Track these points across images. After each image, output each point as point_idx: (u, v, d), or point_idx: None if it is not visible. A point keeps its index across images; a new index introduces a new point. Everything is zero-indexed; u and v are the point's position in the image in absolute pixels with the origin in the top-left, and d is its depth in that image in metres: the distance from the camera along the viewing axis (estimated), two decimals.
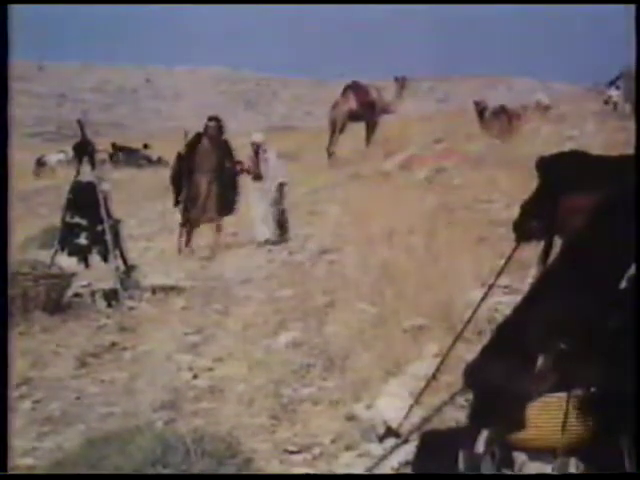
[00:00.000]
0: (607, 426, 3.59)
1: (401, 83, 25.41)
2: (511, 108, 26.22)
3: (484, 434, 3.75)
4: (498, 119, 24.86)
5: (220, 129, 14.63)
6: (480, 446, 3.75)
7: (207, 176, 14.37)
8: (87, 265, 10.78)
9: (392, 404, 5.97)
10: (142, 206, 21.04)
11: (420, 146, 22.77)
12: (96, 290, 10.61)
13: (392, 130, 25.37)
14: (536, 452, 3.74)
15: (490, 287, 5.23)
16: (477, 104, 26.34)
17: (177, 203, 14.63)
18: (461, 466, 3.83)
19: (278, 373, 7.17)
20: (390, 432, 5.68)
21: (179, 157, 14.78)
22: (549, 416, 3.69)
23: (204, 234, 14.55)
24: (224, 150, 14.55)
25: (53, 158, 35.18)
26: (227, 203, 14.47)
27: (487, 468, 3.78)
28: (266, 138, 15.46)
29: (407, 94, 26.31)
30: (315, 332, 8.39)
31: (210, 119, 14.77)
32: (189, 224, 14.41)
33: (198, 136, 14.65)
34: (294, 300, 9.79)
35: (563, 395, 3.64)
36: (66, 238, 10.73)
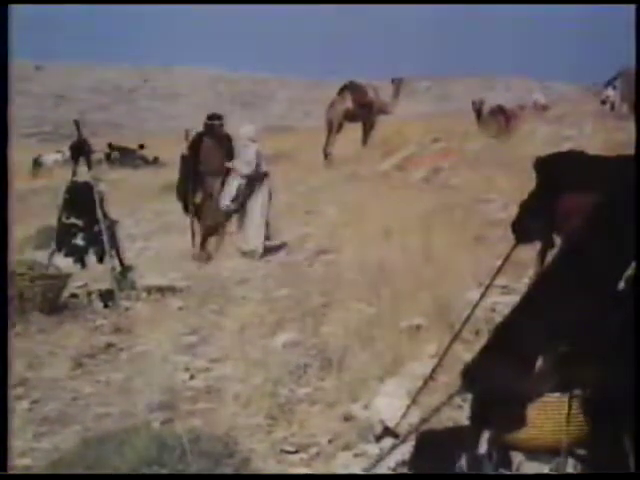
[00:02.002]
0: (606, 426, 3.58)
1: (397, 85, 25.36)
2: (509, 108, 26.28)
3: (486, 435, 3.75)
4: (496, 119, 24.91)
5: (222, 126, 14.05)
6: (483, 447, 3.75)
7: (218, 178, 13.76)
8: (84, 266, 10.76)
9: (389, 404, 5.96)
10: (138, 206, 21.01)
11: (417, 146, 22.77)
12: (92, 291, 10.60)
13: (389, 130, 25.36)
14: (535, 452, 3.75)
15: (487, 287, 5.23)
16: (475, 104, 26.37)
17: (187, 209, 13.90)
18: (464, 467, 3.83)
19: (275, 373, 7.16)
20: (387, 432, 5.68)
21: (184, 161, 14.04)
22: (548, 416, 3.69)
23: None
24: (230, 147, 13.98)
25: (50, 158, 35.11)
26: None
27: (488, 469, 3.78)
28: (258, 135, 14.79)
29: (404, 94, 26.29)
30: (312, 332, 8.38)
31: (210, 117, 14.18)
32: (204, 230, 13.79)
33: (199, 136, 14.02)
34: (291, 300, 9.79)
35: (563, 395, 3.64)
36: (63, 239, 10.71)
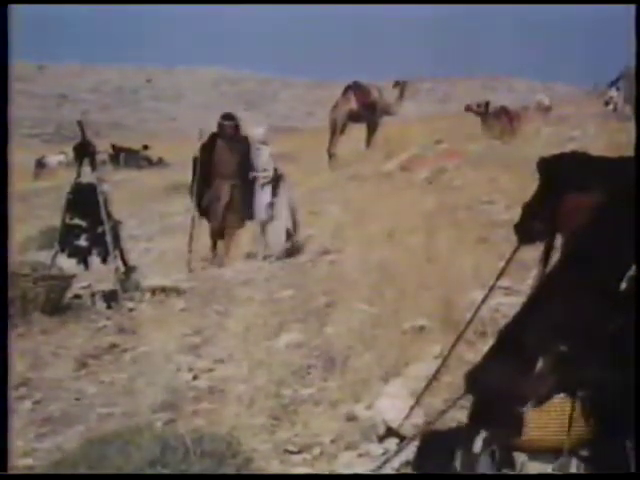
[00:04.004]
0: (607, 427, 3.59)
1: (402, 86, 25.32)
2: (512, 109, 26.24)
3: (482, 434, 3.75)
4: (499, 120, 24.85)
5: (237, 128, 13.60)
6: (477, 446, 3.76)
7: (229, 181, 13.40)
8: (87, 266, 10.76)
9: (392, 404, 5.97)
10: (142, 207, 21.01)
11: (421, 147, 22.73)
12: (96, 291, 10.59)
13: (392, 131, 25.33)
14: (539, 453, 3.75)
15: (491, 288, 5.23)
16: (478, 105, 26.36)
17: (200, 211, 13.49)
18: (457, 465, 3.83)
19: (278, 374, 7.16)
20: (390, 432, 5.68)
21: (195, 163, 13.54)
22: (552, 417, 3.69)
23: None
24: (245, 150, 13.53)
25: (53, 159, 35.14)
26: (249, 210, 13.51)
27: (484, 468, 3.78)
28: (268, 136, 14.67)
29: (408, 95, 26.24)
30: (316, 333, 8.39)
31: (224, 117, 13.65)
32: (212, 232, 13.49)
33: (213, 137, 13.56)
34: (294, 301, 9.79)
35: (566, 397, 3.64)
36: (66, 239, 10.72)
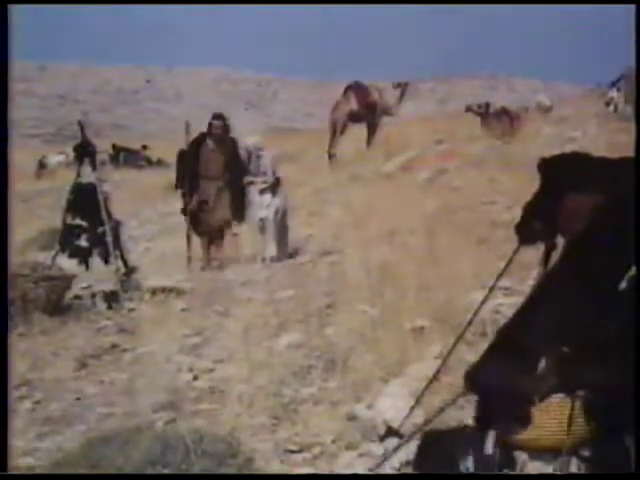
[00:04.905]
0: (608, 427, 3.59)
1: (402, 88, 25.31)
2: (512, 109, 26.22)
3: (492, 435, 3.75)
4: (499, 120, 24.84)
5: (226, 128, 13.43)
6: (489, 448, 3.75)
7: (216, 182, 13.23)
8: (87, 267, 10.77)
9: (393, 404, 5.97)
10: (143, 207, 21.02)
11: (421, 147, 22.73)
12: (96, 292, 10.59)
13: (393, 131, 25.33)
14: (540, 452, 3.75)
15: (491, 289, 5.23)
16: (478, 105, 26.35)
17: (185, 211, 13.40)
18: (471, 468, 3.82)
19: (279, 374, 7.17)
20: (391, 432, 5.68)
21: (180, 159, 13.53)
22: (552, 417, 3.69)
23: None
24: (232, 151, 13.40)
25: (53, 159, 35.11)
26: (239, 211, 13.38)
27: (495, 469, 3.78)
28: (263, 139, 14.57)
29: (408, 96, 26.23)
30: (316, 333, 8.38)
31: (214, 117, 13.49)
32: (206, 236, 13.38)
33: (202, 136, 13.38)
34: (295, 301, 9.79)
35: (565, 396, 3.64)
36: (66, 240, 10.74)
